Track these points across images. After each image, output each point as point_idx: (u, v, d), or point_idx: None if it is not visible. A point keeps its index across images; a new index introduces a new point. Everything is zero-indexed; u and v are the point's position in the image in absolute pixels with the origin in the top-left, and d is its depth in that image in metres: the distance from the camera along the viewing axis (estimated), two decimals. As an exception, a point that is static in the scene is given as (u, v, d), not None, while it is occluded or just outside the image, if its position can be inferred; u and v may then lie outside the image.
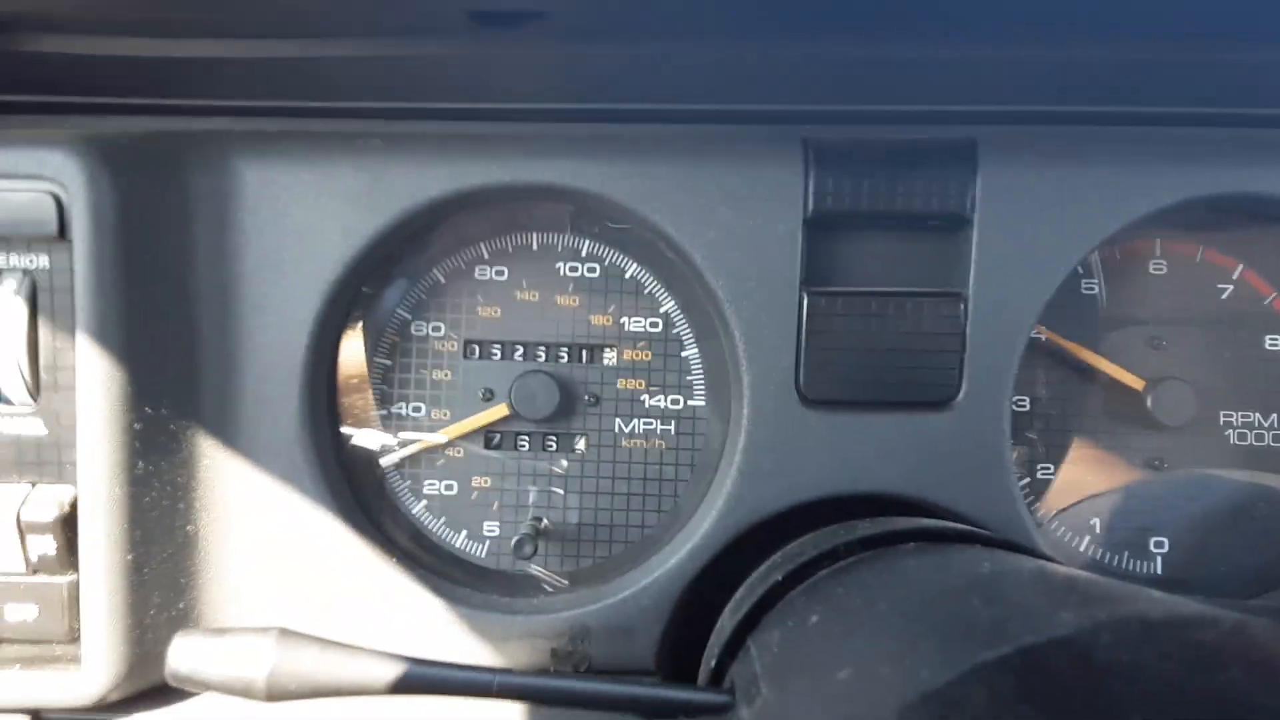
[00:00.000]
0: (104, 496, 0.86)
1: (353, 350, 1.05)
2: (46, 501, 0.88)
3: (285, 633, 0.66)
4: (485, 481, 1.07)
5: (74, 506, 0.88)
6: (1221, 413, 1.07)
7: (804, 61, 0.87)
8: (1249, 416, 1.07)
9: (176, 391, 0.92)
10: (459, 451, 1.07)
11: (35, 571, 0.89)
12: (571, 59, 0.87)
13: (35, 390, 0.89)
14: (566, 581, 1.05)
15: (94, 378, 0.85)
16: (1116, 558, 1.08)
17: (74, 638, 0.89)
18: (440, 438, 1.06)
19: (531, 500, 1.07)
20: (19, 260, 0.88)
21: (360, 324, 1.05)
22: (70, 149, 0.85)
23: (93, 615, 0.87)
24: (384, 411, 1.06)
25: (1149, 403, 1.04)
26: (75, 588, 0.88)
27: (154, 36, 0.84)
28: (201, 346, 0.94)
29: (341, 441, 1.04)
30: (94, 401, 0.85)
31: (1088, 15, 0.77)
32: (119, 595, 0.87)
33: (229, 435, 0.95)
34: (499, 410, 1.05)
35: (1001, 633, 0.48)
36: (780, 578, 0.78)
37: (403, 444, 1.06)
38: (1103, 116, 0.96)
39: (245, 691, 0.66)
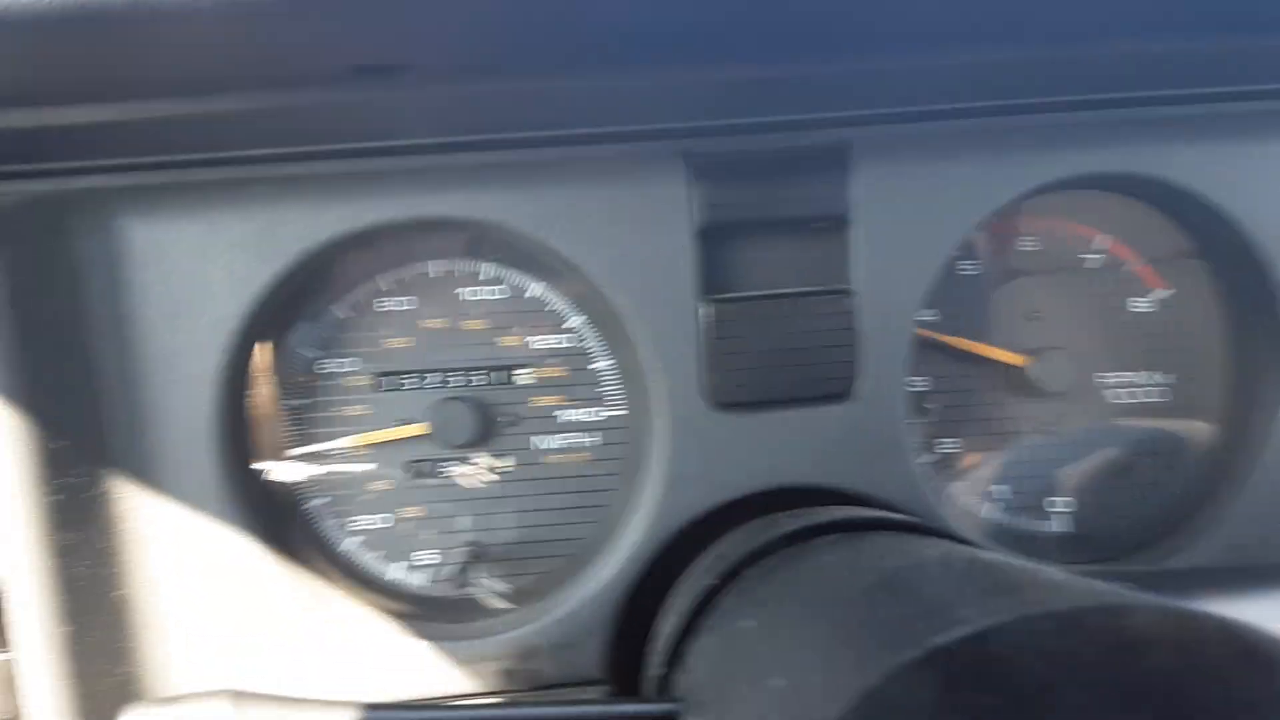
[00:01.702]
0: (29, 574, 0.86)
1: (266, 394, 1.05)
2: (-30, 584, 0.87)
3: (240, 695, 0.67)
4: (416, 511, 1.08)
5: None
6: (1100, 376, 1.15)
7: (682, 85, 0.90)
8: (1125, 376, 1.15)
9: (88, 459, 0.91)
10: (387, 484, 1.08)
11: (-32, 654, 0.88)
12: (452, 98, 0.89)
13: (-56, 474, 0.88)
14: (508, 589, 1.08)
15: (1, 459, 0.84)
16: (1019, 520, 1.15)
17: (18, 717, 0.89)
18: (367, 466, 1.07)
19: (465, 525, 1.09)
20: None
21: (270, 367, 1.05)
22: None
23: (34, 693, 0.87)
24: (304, 452, 1.07)
25: (1031, 373, 1.11)
26: (11, 666, 0.88)
27: (25, 106, 0.82)
28: (108, 410, 0.93)
29: (264, 488, 1.04)
30: (4, 481, 0.84)
31: (953, 28, 0.82)
32: (58, 670, 0.87)
33: (147, 497, 0.95)
34: (418, 428, 1.07)
35: (910, 635, 0.52)
36: (710, 580, 0.82)
37: (325, 476, 1.07)
38: (964, 111, 1.01)
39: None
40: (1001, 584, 0.58)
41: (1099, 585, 0.58)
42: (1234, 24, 0.81)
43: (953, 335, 1.12)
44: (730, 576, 0.81)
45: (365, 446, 1.07)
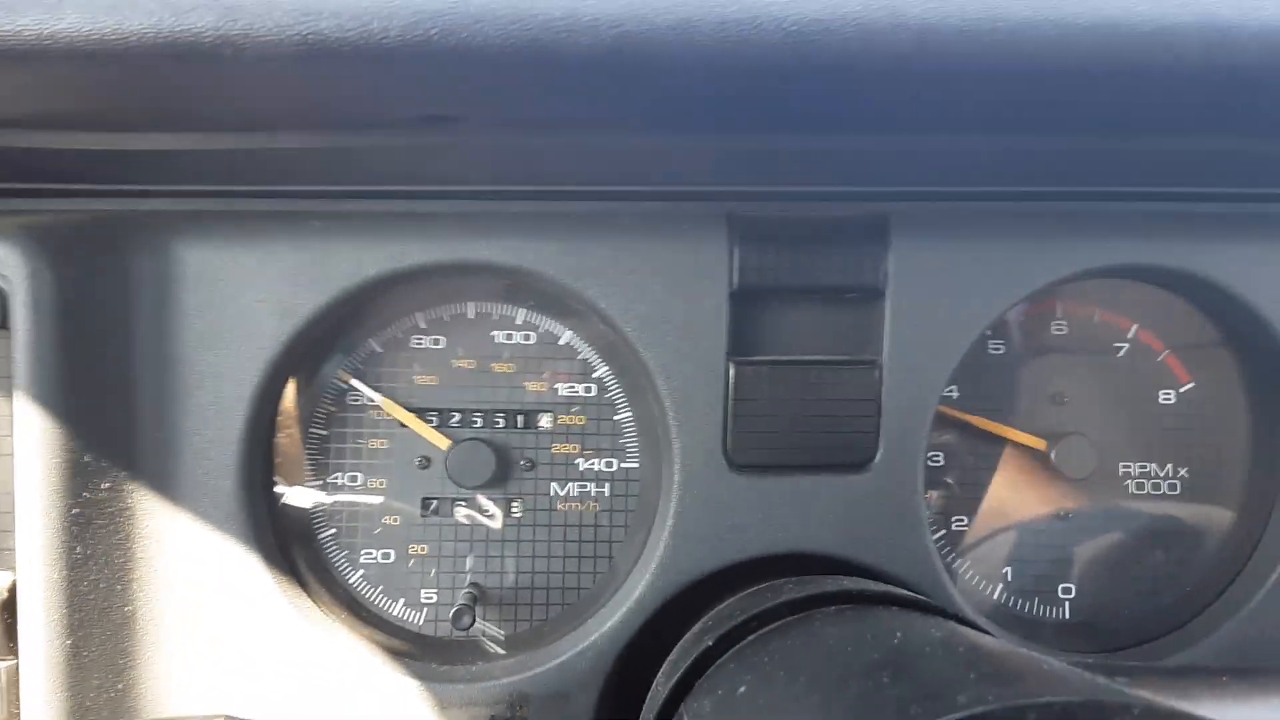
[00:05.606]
0: (43, 581, 0.87)
1: (291, 422, 1.07)
2: (-15, 587, 0.89)
3: (232, 721, 0.68)
4: (422, 549, 1.09)
5: (13, 592, 0.88)
6: (1121, 464, 1.14)
7: (730, 151, 0.92)
8: (1146, 467, 1.15)
9: (115, 473, 0.93)
10: (395, 519, 1.09)
11: (-25, 656, 0.89)
12: (507, 148, 0.91)
13: (-27, 477, 0.90)
14: (503, 635, 1.08)
15: (31, 466, 0.86)
16: (1027, 604, 1.14)
17: (15, 722, 0.90)
18: (380, 499, 1.08)
19: (469, 566, 1.09)
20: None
21: (297, 396, 1.07)
22: (12, 241, 0.86)
23: (33, 700, 0.88)
24: (321, 481, 1.08)
25: (1053, 457, 1.11)
26: (16, 672, 0.89)
27: (102, 131, 0.85)
28: (140, 428, 0.95)
29: (279, 516, 1.05)
30: (32, 489, 0.86)
31: (991, 118, 0.83)
32: (59, 679, 0.88)
33: (166, 515, 0.96)
34: (441, 439, 1.07)
35: (904, 715, 0.52)
36: (711, 643, 0.82)
37: (339, 507, 1.08)
38: (1004, 194, 1.03)
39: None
40: (1002, 671, 0.59)
41: (1097, 680, 0.58)
42: (1266, 129, 0.83)
43: (976, 414, 1.12)
44: (731, 640, 0.81)
45: (380, 482, 1.08)
